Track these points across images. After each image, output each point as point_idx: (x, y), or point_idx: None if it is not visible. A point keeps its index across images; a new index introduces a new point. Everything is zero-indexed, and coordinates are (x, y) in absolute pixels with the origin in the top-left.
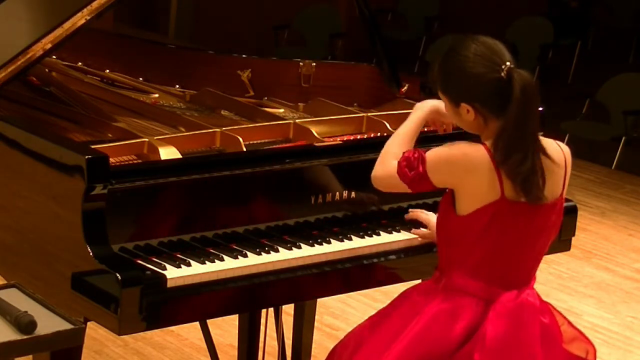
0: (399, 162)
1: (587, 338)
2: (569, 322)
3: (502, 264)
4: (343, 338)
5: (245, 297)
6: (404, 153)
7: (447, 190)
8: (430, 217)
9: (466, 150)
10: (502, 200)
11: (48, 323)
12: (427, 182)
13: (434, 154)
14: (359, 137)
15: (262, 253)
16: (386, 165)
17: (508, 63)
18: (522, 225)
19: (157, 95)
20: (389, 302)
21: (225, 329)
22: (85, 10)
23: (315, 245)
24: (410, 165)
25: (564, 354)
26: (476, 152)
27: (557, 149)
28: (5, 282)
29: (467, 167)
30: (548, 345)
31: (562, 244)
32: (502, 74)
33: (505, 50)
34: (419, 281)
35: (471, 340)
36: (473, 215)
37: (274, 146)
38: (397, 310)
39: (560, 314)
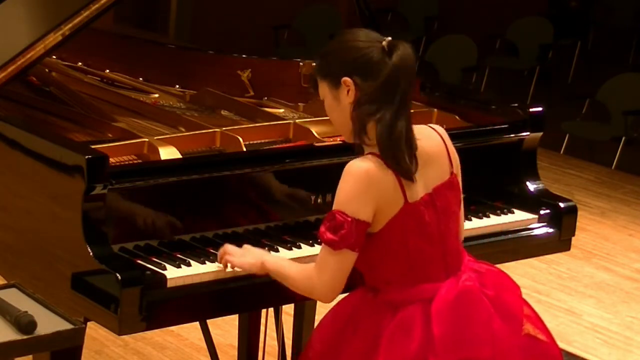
0: (321, 238)
1: (539, 320)
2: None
3: (428, 261)
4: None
5: (245, 297)
6: (319, 231)
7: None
8: (247, 255)
9: (366, 166)
10: (406, 205)
11: (48, 323)
12: (362, 224)
13: (341, 197)
14: None
15: None
16: (303, 275)
17: (389, 38)
18: (431, 218)
19: (157, 95)
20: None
21: (225, 329)
22: (85, 10)
23: (315, 245)
24: (334, 227)
25: (522, 318)
26: (376, 165)
27: (431, 132)
28: (5, 282)
29: (374, 183)
30: (505, 314)
31: (562, 244)
32: (384, 44)
33: (374, 34)
34: None
35: (427, 342)
36: (386, 229)
37: (274, 146)
38: (357, 339)
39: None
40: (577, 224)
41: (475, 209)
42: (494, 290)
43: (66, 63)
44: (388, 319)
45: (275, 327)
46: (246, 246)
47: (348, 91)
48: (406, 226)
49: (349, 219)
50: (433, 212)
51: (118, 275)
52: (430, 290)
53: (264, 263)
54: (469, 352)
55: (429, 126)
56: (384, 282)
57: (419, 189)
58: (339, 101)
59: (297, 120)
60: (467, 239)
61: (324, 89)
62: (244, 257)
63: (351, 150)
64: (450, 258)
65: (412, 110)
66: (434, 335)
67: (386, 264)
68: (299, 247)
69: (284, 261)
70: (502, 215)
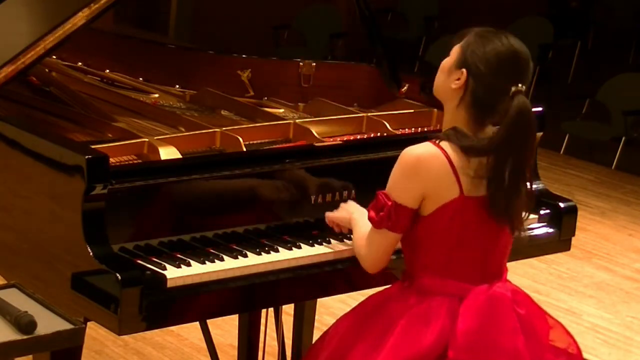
0: (369, 218)
1: (567, 331)
2: (548, 315)
3: (468, 260)
4: (322, 339)
5: (245, 297)
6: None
7: None
8: (343, 210)
9: (417, 152)
10: (461, 196)
11: (48, 323)
12: (403, 209)
13: (390, 180)
14: (359, 137)
15: (262, 253)
16: (362, 241)
17: (520, 85)
18: (482, 219)
19: (157, 95)
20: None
21: (225, 329)
22: (85, 10)
23: (315, 245)
24: (377, 207)
25: (549, 345)
26: (429, 152)
27: None
28: (5, 282)
29: (422, 170)
30: (531, 337)
31: (562, 244)
32: (512, 87)
33: (529, 70)
34: None
35: (446, 338)
36: (435, 214)
37: (274, 146)
38: (377, 320)
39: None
40: (577, 224)
41: None
42: (526, 311)
43: (66, 63)
44: (412, 304)
45: (275, 327)
46: (350, 202)
47: (459, 79)
48: (455, 216)
49: (390, 203)
50: (486, 216)
51: (118, 275)
52: (460, 289)
53: (351, 220)
54: (489, 358)
55: None
56: (421, 267)
57: (480, 188)
58: (449, 74)
59: (297, 120)
60: None
61: (451, 56)
62: (338, 212)
63: (352, 150)
64: (491, 268)
65: (411, 110)
66: (457, 329)
67: (427, 249)
68: (299, 247)
69: (359, 222)
70: None
